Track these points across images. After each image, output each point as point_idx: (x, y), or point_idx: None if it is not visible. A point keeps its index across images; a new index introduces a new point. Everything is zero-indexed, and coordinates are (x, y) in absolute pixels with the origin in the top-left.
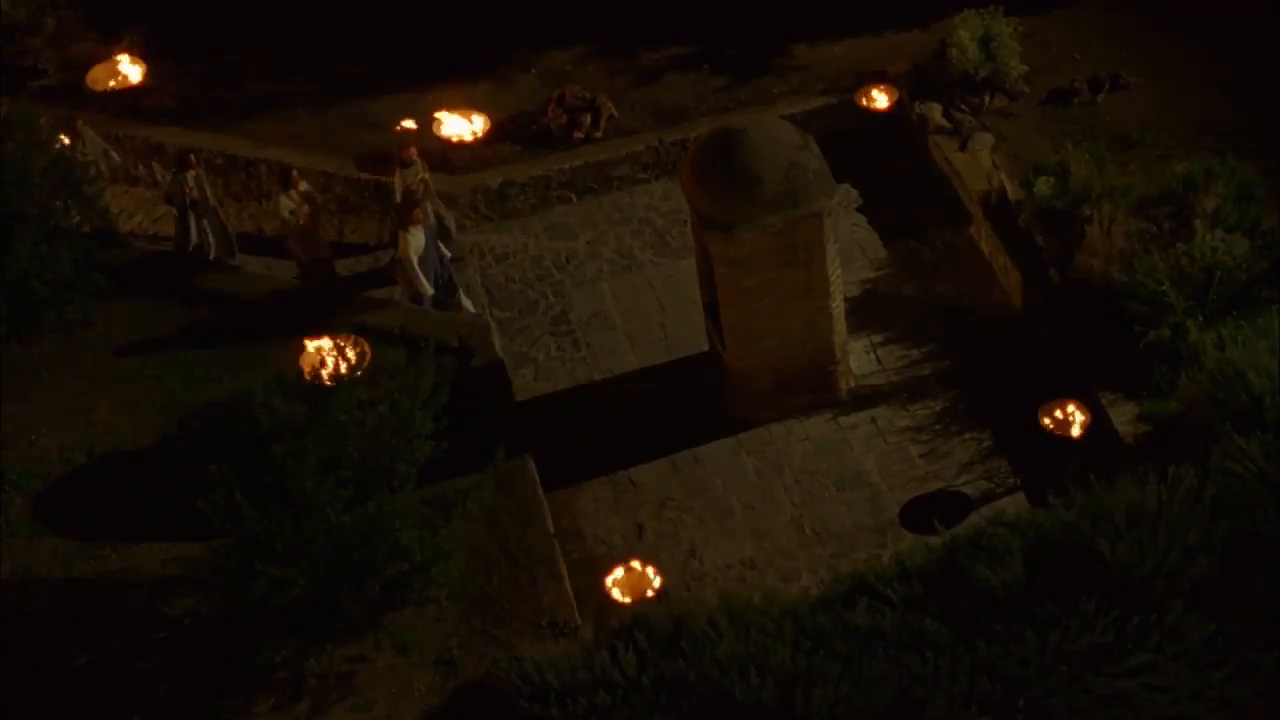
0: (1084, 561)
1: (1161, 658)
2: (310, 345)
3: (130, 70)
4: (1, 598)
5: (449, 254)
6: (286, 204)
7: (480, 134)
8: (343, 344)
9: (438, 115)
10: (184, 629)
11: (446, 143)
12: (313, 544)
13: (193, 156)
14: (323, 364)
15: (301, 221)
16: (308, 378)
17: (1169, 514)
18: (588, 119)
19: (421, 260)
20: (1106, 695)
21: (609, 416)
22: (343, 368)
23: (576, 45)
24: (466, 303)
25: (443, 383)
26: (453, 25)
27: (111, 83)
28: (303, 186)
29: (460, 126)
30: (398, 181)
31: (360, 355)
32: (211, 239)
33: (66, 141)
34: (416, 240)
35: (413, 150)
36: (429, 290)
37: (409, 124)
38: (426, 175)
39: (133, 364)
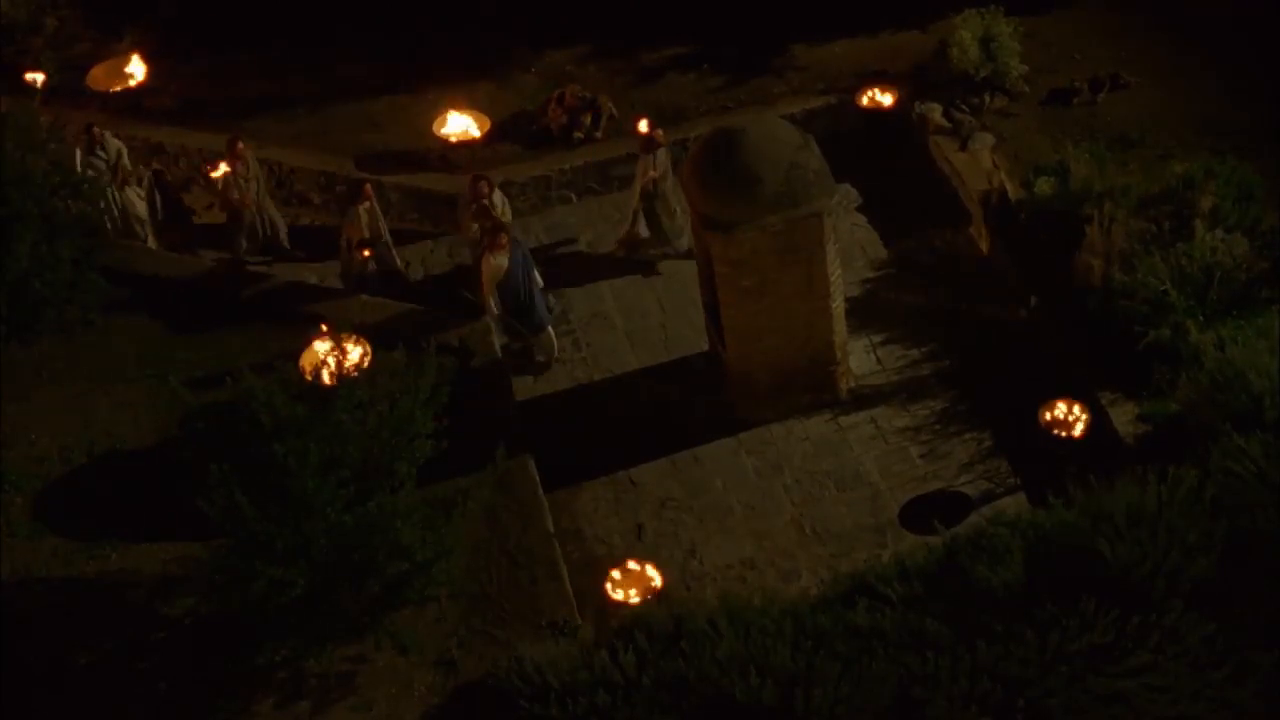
0: (1084, 561)
1: (1161, 658)
2: (311, 345)
3: (130, 70)
4: (1, 598)
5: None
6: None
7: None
8: (344, 343)
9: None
10: (184, 629)
11: (446, 142)
12: (313, 544)
13: (368, 187)
14: (324, 363)
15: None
16: (309, 377)
17: (1169, 514)
18: (588, 119)
19: (500, 285)
20: (1106, 695)
21: (609, 416)
22: (344, 367)
23: (576, 45)
24: (549, 339)
25: (442, 382)
26: (452, 25)
27: (112, 83)
28: (498, 199)
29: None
30: (639, 169)
31: (361, 355)
32: (375, 269)
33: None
34: (498, 262)
35: (660, 133)
36: (494, 310)
37: (643, 126)
38: (667, 165)
39: (133, 364)
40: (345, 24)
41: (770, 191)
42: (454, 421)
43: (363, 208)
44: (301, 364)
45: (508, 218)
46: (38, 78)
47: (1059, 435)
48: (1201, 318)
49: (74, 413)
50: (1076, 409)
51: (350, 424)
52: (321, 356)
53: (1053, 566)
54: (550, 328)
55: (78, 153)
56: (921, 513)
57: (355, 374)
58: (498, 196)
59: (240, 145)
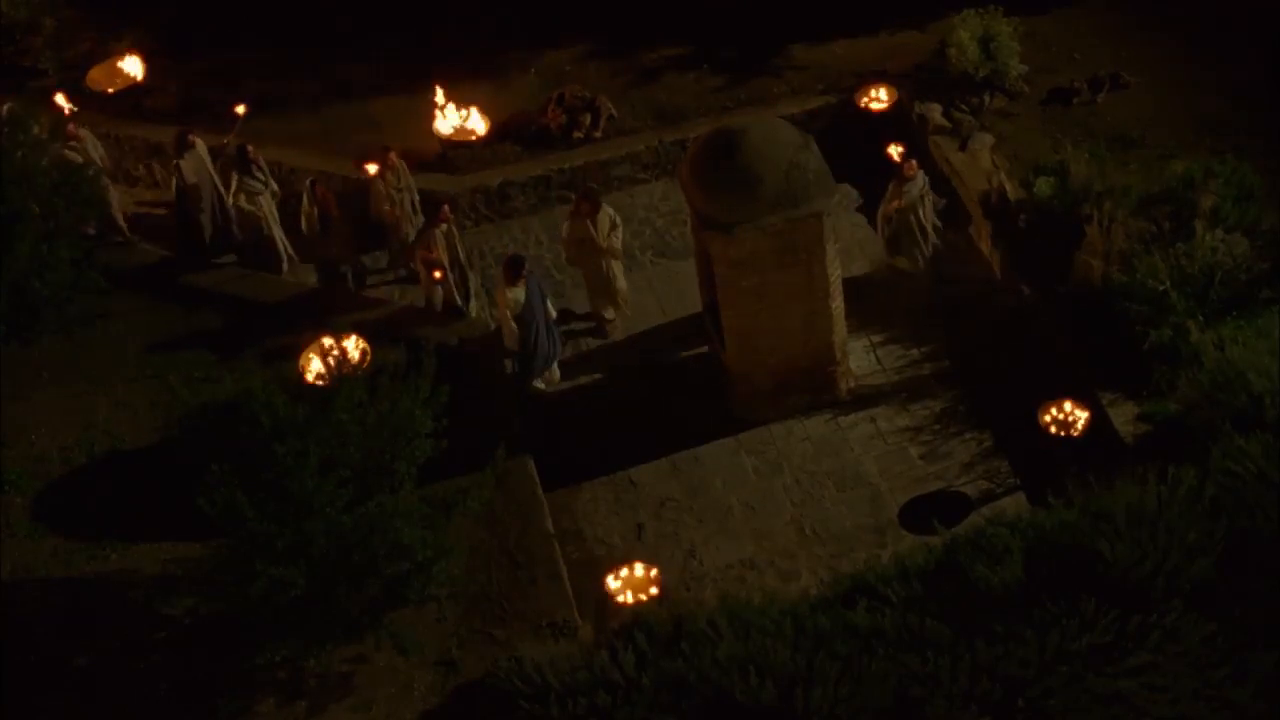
0: (1084, 561)
1: (1161, 658)
2: (311, 345)
3: (131, 70)
4: (2, 598)
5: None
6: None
7: (480, 134)
8: (344, 343)
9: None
10: (184, 629)
11: (447, 142)
12: (313, 543)
13: (445, 208)
14: (324, 363)
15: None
16: (309, 377)
17: (1169, 514)
18: (588, 119)
19: (519, 317)
20: (1106, 695)
21: (609, 416)
22: (344, 367)
23: (576, 45)
24: (552, 373)
25: (443, 382)
26: (452, 25)
27: (112, 83)
28: (605, 223)
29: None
30: (893, 197)
31: (361, 354)
32: (456, 295)
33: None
34: (515, 296)
35: (913, 163)
36: (515, 346)
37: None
38: (926, 191)
39: (133, 364)
40: (345, 24)
41: (770, 192)
42: (454, 421)
43: (440, 230)
44: (301, 364)
45: (615, 245)
46: (64, 104)
47: (1059, 435)
48: (1201, 318)
49: (74, 413)
50: (1076, 409)
51: (350, 424)
52: (322, 356)
53: (1053, 566)
54: (555, 364)
55: (234, 175)
56: (921, 513)
57: (355, 374)
58: (604, 220)
59: (392, 154)
